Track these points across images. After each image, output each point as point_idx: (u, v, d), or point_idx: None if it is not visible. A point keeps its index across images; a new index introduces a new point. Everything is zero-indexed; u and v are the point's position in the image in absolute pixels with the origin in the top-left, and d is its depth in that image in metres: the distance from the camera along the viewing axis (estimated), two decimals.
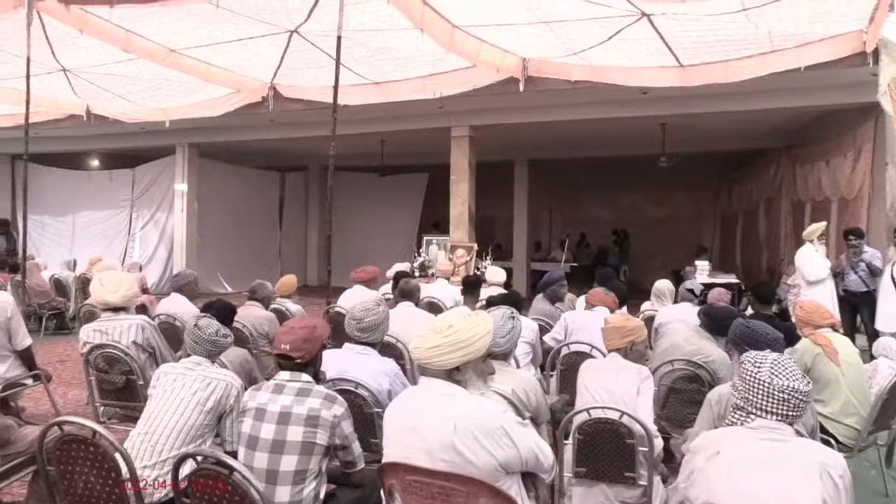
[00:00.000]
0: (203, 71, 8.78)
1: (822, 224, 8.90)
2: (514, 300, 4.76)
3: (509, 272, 14.03)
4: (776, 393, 2.26)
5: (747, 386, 2.33)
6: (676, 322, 5.38)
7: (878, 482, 4.81)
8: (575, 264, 16.57)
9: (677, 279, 13.98)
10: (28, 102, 7.04)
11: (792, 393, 2.25)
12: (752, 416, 2.30)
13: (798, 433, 2.84)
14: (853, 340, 7.74)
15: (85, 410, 5.62)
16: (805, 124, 12.72)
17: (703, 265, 11.94)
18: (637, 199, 20.42)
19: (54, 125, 11.55)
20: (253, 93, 9.78)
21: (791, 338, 5.08)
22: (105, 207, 17.22)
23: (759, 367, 2.32)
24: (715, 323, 4.53)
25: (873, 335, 7.36)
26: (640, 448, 3.35)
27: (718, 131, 13.79)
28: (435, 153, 13.43)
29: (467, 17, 7.61)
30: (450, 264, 9.68)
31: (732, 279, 11.72)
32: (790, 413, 2.26)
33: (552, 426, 3.89)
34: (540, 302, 6.32)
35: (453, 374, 2.45)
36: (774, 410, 2.26)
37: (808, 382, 2.32)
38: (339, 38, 6.65)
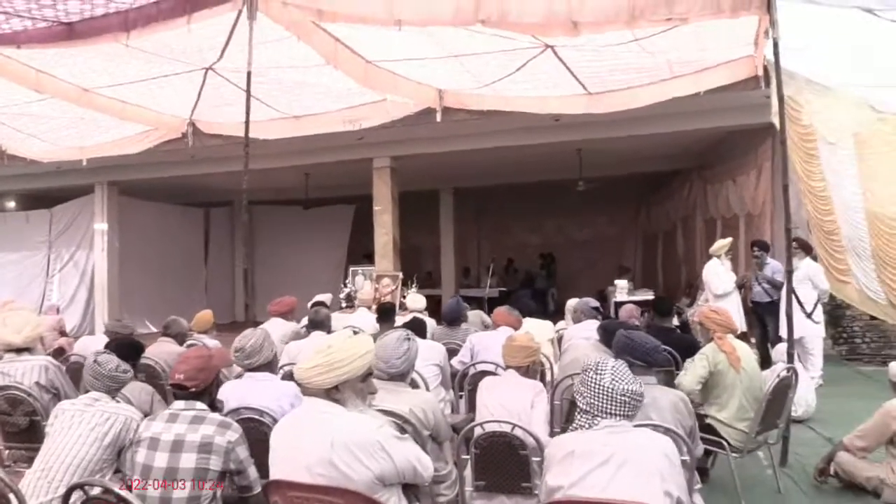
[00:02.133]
0: (119, 109, 8.73)
1: (729, 240, 9.35)
2: (416, 326, 4.90)
3: (438, 299, 14.20)
4: (618, 396, 2.49)
5: (592, 392, 2.54)
6: (580, 339, 5.60)
7: (773, 481, 5.08)
8: (503, 289, 16.84)
9: (602, 299, 14.39)
10: None
11: (632, 395, 2.49)
12: (598, 419, 2.52)
13: (673, 431, 3.07)
14: (766, 349, 8.18)
15: None
16: (712, 145, 13.34)
17: (622, 284, 12.34)
18: (561, 222, 20.93)
19: None
20: (172, 129, 9.75)
21: (691, 348, 5.38)
22: (21, 249, 16.72)
23: (601, 375, 2.54)
24: (610, 337, 4.74)
25: (775, 342, 7.76)
26: (534, 458, 3.50)
27: (632, 154, 14.33)
28: (361, 184, 13.56)
29: (380, 53, 7.81)
30: (371, 293, 9.76)
31: (649, 296, 12.14)
32: (629, 413, 2.50)
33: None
34: (445, 328, 6.51)
35: (332, 393, 2.56)
36: (616, 412, 2.49)
37: (641, 384, 2.55)
38: (248, 73, 6.74)
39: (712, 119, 10.87)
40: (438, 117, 8.95)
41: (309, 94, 8.96)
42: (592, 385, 2.57)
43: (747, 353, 5.01)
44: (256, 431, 3.50)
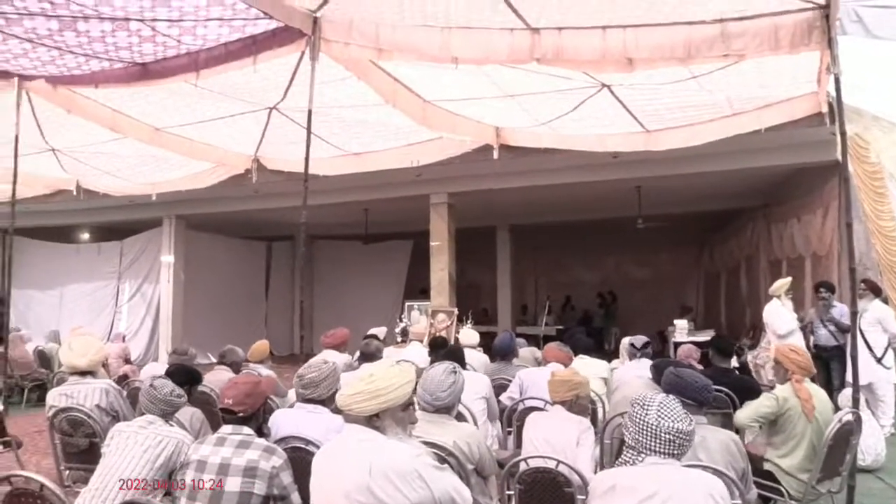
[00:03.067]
0: (188, 147, 9.09)
1: (788, 279, 9.08)
2: (457, 356, 4.90)
3: (493, 335, 14.12)
4: (662, 434, 2.43)
5: (637, 428, 2.50)
6: (632, 376, 5.50)
7: None
8: (560, 327, 16.68)
9: (662, 339, 14.11)
10: (15, 179, 7.27)
11: (677, 434, 2.43)
12: (643, 455, 2.46)
13: (722, 473, 2.99)
14: (830, 395, 7.88)
15: (54, 476, 5.66)
16: (776, 183, 13.05)
17: (682, 324, 12.09)
18: (621, 260, 20.69)
19: (44, 200, 11.84)
20: (237, 166, 10.09)
21: (750, 391, 5.20)
22: (93, 280, 17.39)
23: (647, 410, 2.49)
24: (661, 375, 4.65)
25: (840, 388, 7.46)
26: (579, 497, 3.44)
27: (693, 192, 14.12)
28: (418, 220, 13.72)
29: (437, 93, 7.96)
30: (425, 328, 9.80)
31: (709, 337, 11.83)
32: (676, 452, 2.44)
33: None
34: (497, 363, 6.48)
35: (373, 421, 2.58)
36: (662, 450, 2.43)
37: (692, 422, 2.47)
38: (309, 111, 6.96)
39: (775, 157, 10.66)
40: (496, 154, 9.03)
41: (368, 132, 9.17)
42: (638, 420, 2.52)
43: (824, 402, 4.78)
44: (303, 461, 3.53)
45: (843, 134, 6.29)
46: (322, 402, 3.91)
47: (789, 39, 5.97)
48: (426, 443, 3.15)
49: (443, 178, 12.30)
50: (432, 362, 6.51)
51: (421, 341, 8.53)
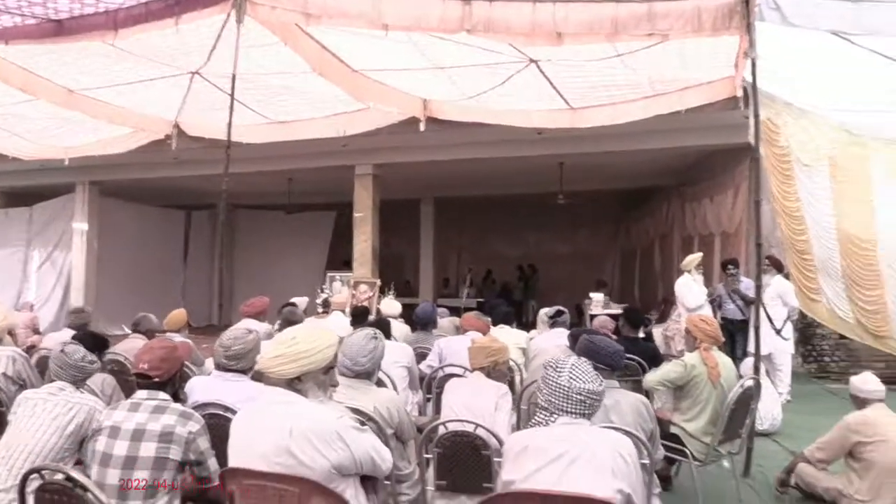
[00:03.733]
0: (105, 111, 8.73)
1: (699, 255, 9.46)
2: (381, 326, 4.95)
3: (415, 308, 14.21)
4: (573, 395, 2.53)
5: (549, 389, 2.59)
6: (551, 346, 5.66)
7: (735, 490, 5.15)
8: (481, 300, 16.91)
9: (578, 312, 14.50)
10: None
11: (588, 394, 2.54)
12: (555, 416, 2.56)
13: (632, 434, 3.12)
14: (737, 367, 8.30)
15: None
16: (692, 164, 13.51)
17: (597, 297, 12.45)
18: (541, 236, 21.07)
19: None
20: (156, 131, 9.76)
21: (654, 357, 5.47)
22: (2, 246, 16.58)
23: (560, 373, 2.59)
24: (577, 343, 4.80)
25: (743, 357, 7.86)
26: (496, 459, 3.54)
27: (613, 170, 14.47)
28: (343, 191, 13.60)
29: (365, 62, 7.88)
30: (347, 298, 9.79)
31: (622, 310, 12.26)
32: (586, 411, 2.55)
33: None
34: (418, 333, 6.55)
35: (294, 384, 2.59)
36: (573, 410, 2.54)
37: (602, 384, 2.58)
38: (234, 76, 6.78)
39: (692, 138, 11.02)
40: (422, 127, 9.03)
41: (294, 100, 9.01)
42: (551, 382, 2.62)
43: (729, 369, 5.04)
44: (221, 428, 3.50)
45: (756, 117, 6.59)
46: (242, 371, 3.88)
47: (711, 22, 6.19)
48: (347, 407, 3.18)
49: (369, 149, 12.22)
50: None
51: (343, 311, 8.52)
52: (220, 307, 7.09)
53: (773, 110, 9.13)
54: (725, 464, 5.35)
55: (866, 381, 4.86)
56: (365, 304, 10.92)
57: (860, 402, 4.81)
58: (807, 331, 10.11)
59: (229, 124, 7.37)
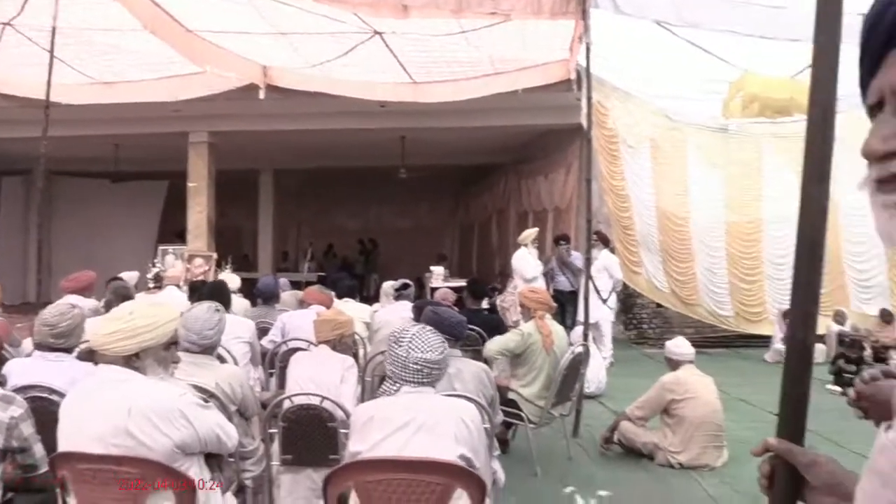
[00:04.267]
0: None
1: (535, 230, 9.93)
2: (221, 292, 4.81)
3: (254, 282, 13.84)
4: (411, 364, 2.61)
5: (392, 360, 2.66)
6: (396, 318, 5.74)
7: (566, 449, 5.52)
8: (322, 274, 16.76)
9: (420, 286, 14.72)
10: None
11: (426, 364, 2.62)
12: (398, 385, 2.63)
13: (474, 400, 3.25)
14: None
15: None
16: (528, 143, 14.06)
17: (438, 270, 12.73)
18: (382, 210, 21.17)
19: None
20: None
21: (497, 327, 5.72)
22: None
23: (400, 344, 2.66)
24: (421, 314, 4.93)
25: (572, 326, 8.37)
26: (342, 431, 3.56)
27: (454, 146, 14.78)
28: (175, 159, 12.91)
29: (201, 23, 7.50)
30: (181, 273, 9.36)
31: (463, 283, 12.64)
32: (426, 380, 2.63)
33: None
34: (259, 307, 6.42)
35: (132, 361, 2.46)
36: (413, 379, 2.62)
37: (441, 352, 2.67)
38: (53, 29, 6.24)
39: (528, 117, 11.45)
40: (262, 95, 8.75)
41: (123, 60, 8.43)
42: (393, 354, 2.67)
43: (561, 337, 5.39)
44: (46, 411, 3.26)
45: (589, 99, 6.97)
46: (66, 350, 3.62)
47: (550, 6, 6.47)
48: (189, 385, 3.07)
49: (204, 115, 11.65)
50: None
51: (178, 286, 8.13)
52: (38, 283, 6.55)
53: (602, 94, 9.69)
54: (557, 426, 5.70)
55: (678, 345, 5.37)
56: (201, 278, 10.50)
57: (673, 364, 5.31)
58: (628, 300, 10.91)
59: (48, 83, 6.78)
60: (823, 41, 1.30)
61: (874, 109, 0.82)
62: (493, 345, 5.18)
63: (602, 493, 4.72)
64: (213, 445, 2.52)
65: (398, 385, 2.66)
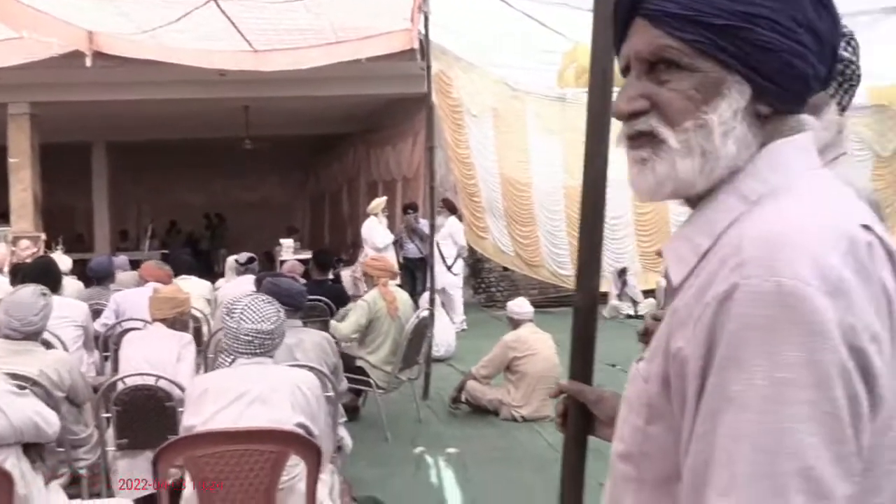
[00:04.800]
0: None
1: (384, 199, 10.01)
2: (50, 272, 4.54)
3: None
4: (242, 336, 2.60)
5: (225, 332, 2.65)
6: (240, 293, 5.61)
7: (416, 412, 5.67)
8: (165, 251, 16.03)
9: (270, 259, 14.45)
10: None
11: (256, 334, 2.62)
12: (233, 357, 2.62)
13: (316, 369, 3.27)
14: (415, 300, 8.98)
15: None
16: (375, 112, 14.03)
17: (287, 243, 12.55)
18: (229, 183, 20.43)
19: None
20: None
21: (338, 297, 5.75)
22: None
23: (232, 315, 2.64)
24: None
25: (421, 292, 8.55)
26: (180, 409, 3.48)
27: (300, 116, 14.47)
28: None
29: None
30: (6, 256, 8.66)
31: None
32: (258, 351, 2.62)
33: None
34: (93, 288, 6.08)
35: None
36: (246, 351, 2.61)
37: (274, 322, 2.67)
38: None
39: (374, 86, 11.43)
40: (89, 62, 8.19)
41: None
42: (226, 326, 2.65)
43: (406, 303, 5.50)
44: None
45: (428, 68, 7.08)
46: None
47: None
48: (7, 374, 2.89)
49: (24, 84, 10.68)
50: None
51: (1, 270, 7.53)
52: None
53: (445, 63, 9.85)
54: (407, 390, 5.83)
55: (519, 305, 5.65)
56: (28, 261, 9.74)
57: (515, 323, 5.58)
58: (476, 265, 11.24)
59: None
60: (602, 10, 1.41)
61: (624, 73, 0.90)
62: (346, 326, 5.22)
63: (450, 450, 4.92)
64: (31, 434, 2.40)
65: (232, 357, 2.64)
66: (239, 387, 2.51)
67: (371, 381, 5.10)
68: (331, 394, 3.51)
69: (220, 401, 2.47)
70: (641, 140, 0.86)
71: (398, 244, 9.68)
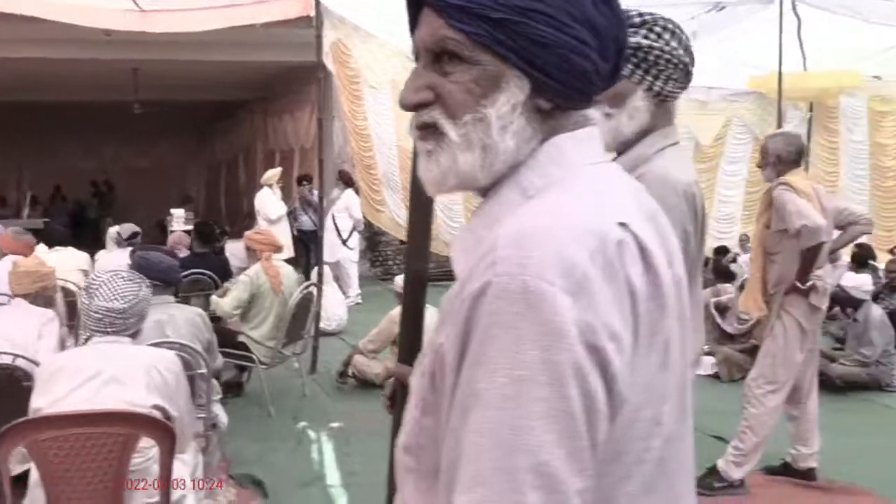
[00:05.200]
0: None
1: (279, 170, 9.80)
2: None
3: None
4: (93, 314, 2.51)
5: (82, 310, 2.55)
6: (118, 266, 5.40)
7: (301, 387, 5.62)
8: (48, 220, 15.18)
9: (162, 229, 13.95)
10: None
11: (107, 312, 2.53)
12: (88, 334, 2.54)
13: (187, 346, 3.19)
14: (308, 273, 8.87)
15: None
16: (272, 79, 13.66)
17: (179, 213, 12.12)
18: (119, 148, 19.53)
19: None
20: None
21: (220, 269, 5.64)
22: None
23: (88, 292, 2.55)
24: None
25: (315, 265, 8.46)
26: None
27: (194, 80, 13.93)
28: None
29: None
30: None
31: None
32: (111, 329, 2.53)
33: None
34: None
35: None
36: (100, 329, 2.53)
37: (132, 300, 2.59)
38: None
39: (270, 53, 11.12)
40: None
41: None
42: (82, 303, 2.56)
43: (290, 277, 5.41)
44: None
45: (318, 37, 6.96)
46: None
47: None
48: None
49: None
50: None
51: None
52: None
53: (343, 32, 9.66)
54: (296, 364, 5.79)
55: None
56: None
57: (400, 297, 5.59)
58: (373, 238, 11.21)
59: None
60: None
61: (418, 61, 0.89)
62: (228, 302, 5.10)
63: (334, 424, 4.92)
64: None
65: (88, 335, 2.55)
66: (93, 366, 2.42)
67: (254, 356, 5.02)
68: (203, 371, 3.44)
69: (74, 380, 2.38)
70: (427, 132, 0.86)
71: (292, 216, 9.52)
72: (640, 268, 0.76)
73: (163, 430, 2.27)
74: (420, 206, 1.44)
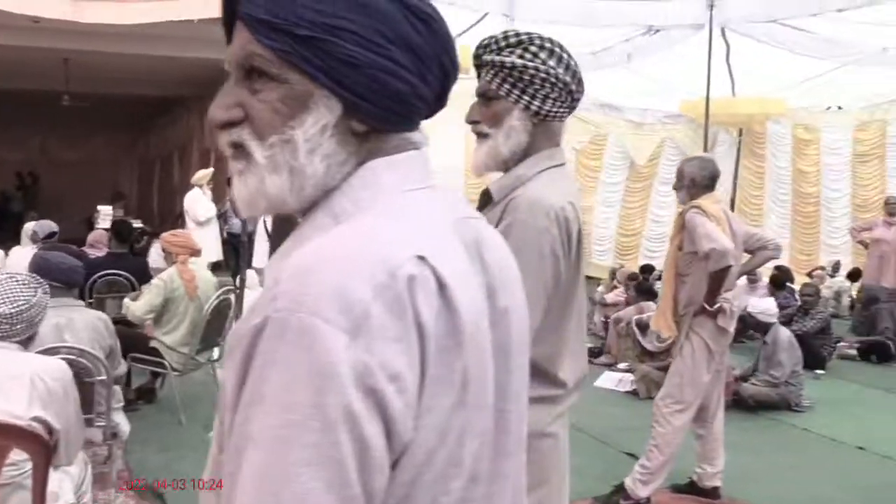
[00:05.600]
0: None
1: (210, 170, 9.61)
2: None
3: None
4: None
5: None
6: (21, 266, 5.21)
7: (215, 395, 5.48)
8: None
9: (89, 226, 13.52)
10: None
11: None
12: None
13: (86, 352, 3.07)
14: (237, 277, 8.69)
15: None
16: (210, 77, 13.31)
17: (106, 210, 11.70)
18: (47, 140, 18.86)
19: None
20: None
21: (144, 272, 5.49)
22: None
23: None
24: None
25: (245, 269, 8.31)
26: None
27: (129, 74, 13.55)
28: None
29: None
30: None
31: (139, 224, 11.87)
32: None
33: None
34: None
35: None
36: None
37: (22, 305, 2.48)
38: None
39: (209, 50, 10.82)
40: None
41: None
42: None
43: (207, 281, 5.25)
44: None
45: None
46: None
47: None
48: None
49: None
50: None
51: None
52: None
53: None
54: (213, 371, 5.62)
55: None
56: None
57: None
58: None
59: None
60: None
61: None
62: (140, 307, 4.94)
63: None
64: None
65: None
66: None
67: (166, 362, 4.88)
68: (104, 377, 3.32)
69: None
70: (237, 151, 0.82)
71: (223, 218, 9.34)
72: (434, 303, 0.72)
73: (38, 444, 2.16)
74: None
